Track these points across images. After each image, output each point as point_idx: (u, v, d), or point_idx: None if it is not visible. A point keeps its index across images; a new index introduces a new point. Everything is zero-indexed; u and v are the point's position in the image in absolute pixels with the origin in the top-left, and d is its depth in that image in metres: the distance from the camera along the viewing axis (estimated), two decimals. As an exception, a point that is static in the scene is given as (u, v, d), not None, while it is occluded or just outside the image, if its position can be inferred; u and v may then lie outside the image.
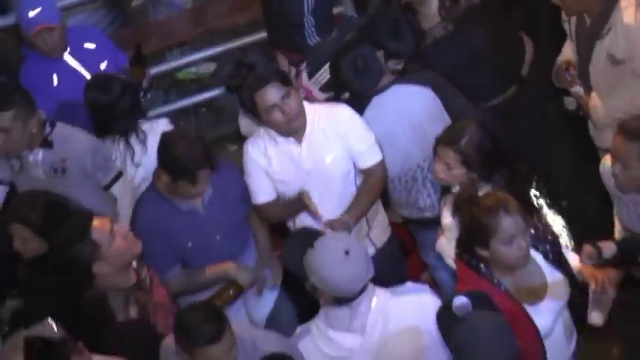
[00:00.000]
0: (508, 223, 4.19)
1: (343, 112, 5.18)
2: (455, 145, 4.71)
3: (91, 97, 5.55)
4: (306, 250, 4.06)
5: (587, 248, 4.46)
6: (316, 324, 4.17)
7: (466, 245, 4.35)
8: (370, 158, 5.18)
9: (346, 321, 4.07)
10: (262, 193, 5.22)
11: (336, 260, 4.01)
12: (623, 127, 4.48)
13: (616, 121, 4.78)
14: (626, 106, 4.74)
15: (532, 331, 4.23)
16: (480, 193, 4.64)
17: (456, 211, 4.49)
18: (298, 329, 4.27)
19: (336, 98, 5.49)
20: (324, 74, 5.63)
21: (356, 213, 5.14)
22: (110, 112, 5.48)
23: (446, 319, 3.82)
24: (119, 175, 5.45)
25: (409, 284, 4.39)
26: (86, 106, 5.57)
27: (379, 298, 4.13)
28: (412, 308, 4.14)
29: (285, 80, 4.99)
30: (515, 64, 5.86)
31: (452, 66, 5.46)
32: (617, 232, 4.94)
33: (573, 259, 4.55)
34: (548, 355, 4.31)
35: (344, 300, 4.06)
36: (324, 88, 5.63)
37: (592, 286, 4.49)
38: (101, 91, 5.53)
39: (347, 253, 4.02)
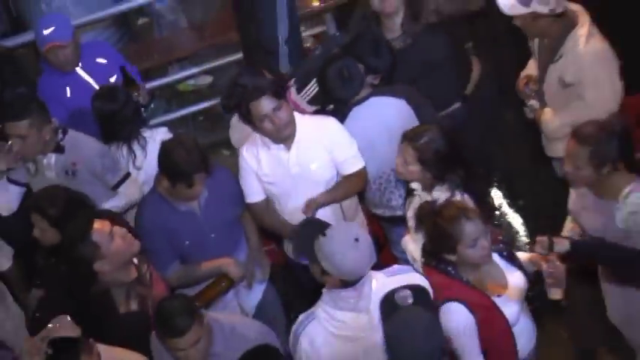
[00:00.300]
0: (470, 228, 4.16)
1: (330, 124, 5.13)
2: (414, 143, 4.68)
3: (96, 106, 5.50)
4: (317, 238, 4.01)
5: (541, 239, 4.38)
6: (322, 308, 4.11)
7: (433, 253, 4.29)
8: (352, 166, 5.13)
9: (352, 302, 4.03)
10: (252, 193, 5.17)
11: (347, 247, 3.96)
12: (576, 131, 4.44)
13: (565, 136, 4.73)
14: (573, 124, 4.68)
15: (502, 321, 4.22)
16: (436, 194, 4.61)
17: (420, 224, 4.41)
18: (301, 317, 4.19)
19: (322, 110, 5.42)
20: (312, 88, 5.54)
21: (326, 196, 5.10)
22: (114, 119, 5.44)
23: (387, 307, 3.79)
24: (127, 176, 5.41)
25: (395, 266, 4.35)
26: (93, 114, 5.51)
27: (377, 280, 4.11)
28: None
29: (278, 94, 4.93)
30: (461, 82, 5.77)
31: (403, 77, 5.38)
32: (569, 220, 4.87)
33: (522, 256, 4.53)
34: (517, 341, 4.30)
35: (350, 283, 4.02)
36: (311, 101, 5.54)
37: (544, 267, 4.42)
38: (106, 101, 5.48)
39: (357, 240, 3.98)
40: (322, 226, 4.07)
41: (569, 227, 4.86)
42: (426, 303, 3.77)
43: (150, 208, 5.03)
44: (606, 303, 4.95)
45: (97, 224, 4.36)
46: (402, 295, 3.75)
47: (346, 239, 3.97)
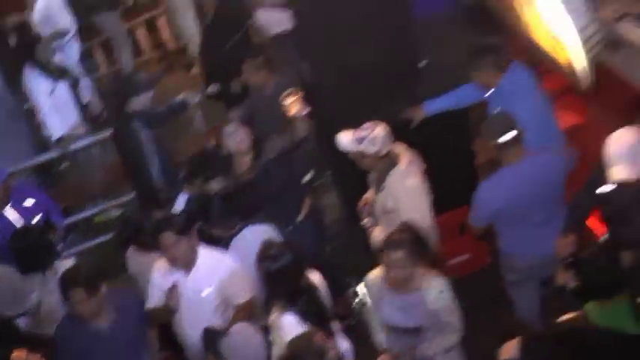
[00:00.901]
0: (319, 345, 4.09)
1: (225, 260, 5.00)
2: (261, 253, 4.52)
3: (11, 244, 5.32)
4: (221, 339, 4.08)
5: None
6: None
7: None
8: (241, 297, 4.91)
9: None
10: (153, 301, 4.99)
11: (248, 340, 4.13)
12: (386, 242, 4.39)
13: None
14: None
15: None
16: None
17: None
18: None
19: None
20: None
21: None
22: (27, 255, 5.23)
23: None
24: (24, 313, 5.15)
25: None
26: (10, 251, 5.31)
27: None
28: None
29: (180, 230, 4.81)
30: (294, 209, 5.74)
31: (250, 202, 5.36)
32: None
33: None
34: None
35: None
36: None
37: None
38: (20, 240, 5.32)
39: (254, 334, 4.22)
40: (220, 331, 4.09)
41: None
42: None
43: (63, 328, 4.82)
44: None
45: (15, 354, 4.19)
46: None
47: (246, 335, 4.12)
